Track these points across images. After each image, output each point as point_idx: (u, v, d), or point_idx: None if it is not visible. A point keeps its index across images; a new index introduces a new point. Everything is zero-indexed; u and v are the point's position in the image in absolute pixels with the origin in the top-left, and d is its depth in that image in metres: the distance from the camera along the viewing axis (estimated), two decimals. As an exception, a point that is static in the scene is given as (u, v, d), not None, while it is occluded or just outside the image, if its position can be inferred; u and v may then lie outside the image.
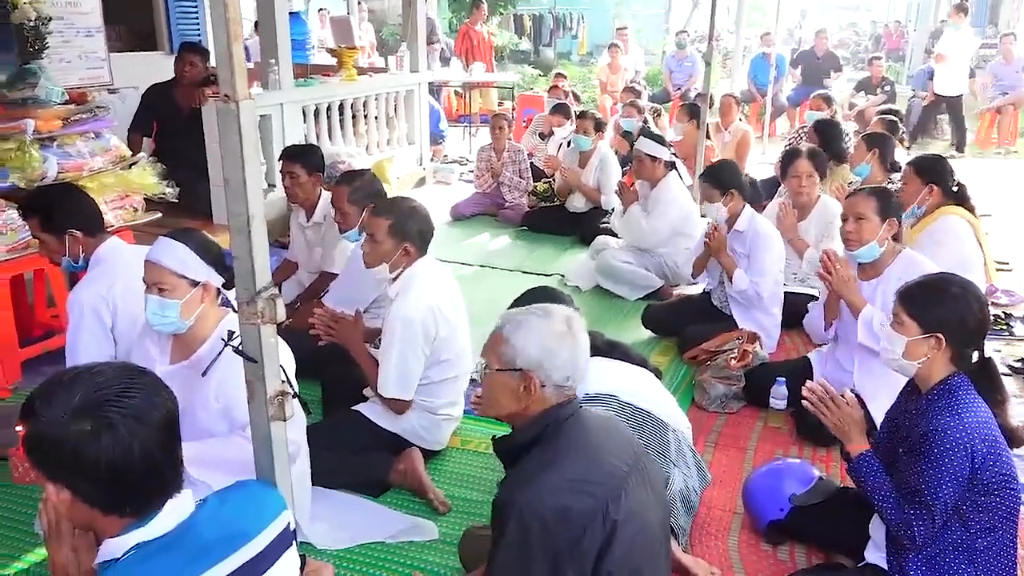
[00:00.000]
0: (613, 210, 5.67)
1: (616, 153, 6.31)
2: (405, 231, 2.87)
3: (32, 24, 5.71)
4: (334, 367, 3.25)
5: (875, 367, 3.08)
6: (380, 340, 3.00)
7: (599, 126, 6.00)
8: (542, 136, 7.52)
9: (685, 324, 4.05)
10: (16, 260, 3.53)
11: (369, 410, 2.96)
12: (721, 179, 3.92)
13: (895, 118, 5.82)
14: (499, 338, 1.85)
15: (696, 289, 4.45)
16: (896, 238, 3.10)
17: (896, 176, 4.43)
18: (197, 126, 5.48)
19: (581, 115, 6.06)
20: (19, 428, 2.20)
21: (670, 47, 13.29)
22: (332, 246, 4.13)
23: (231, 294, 2.46)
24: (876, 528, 2.27)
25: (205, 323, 2.35)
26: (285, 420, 1.62)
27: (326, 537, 2.57)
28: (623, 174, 5.99)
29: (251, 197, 1.48)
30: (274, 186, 5.80)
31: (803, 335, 4.20)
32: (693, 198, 5.00)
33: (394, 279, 2.92)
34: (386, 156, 6.87)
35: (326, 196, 4.26)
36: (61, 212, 2.82)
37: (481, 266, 5.44)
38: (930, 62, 10.47)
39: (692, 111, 6.77)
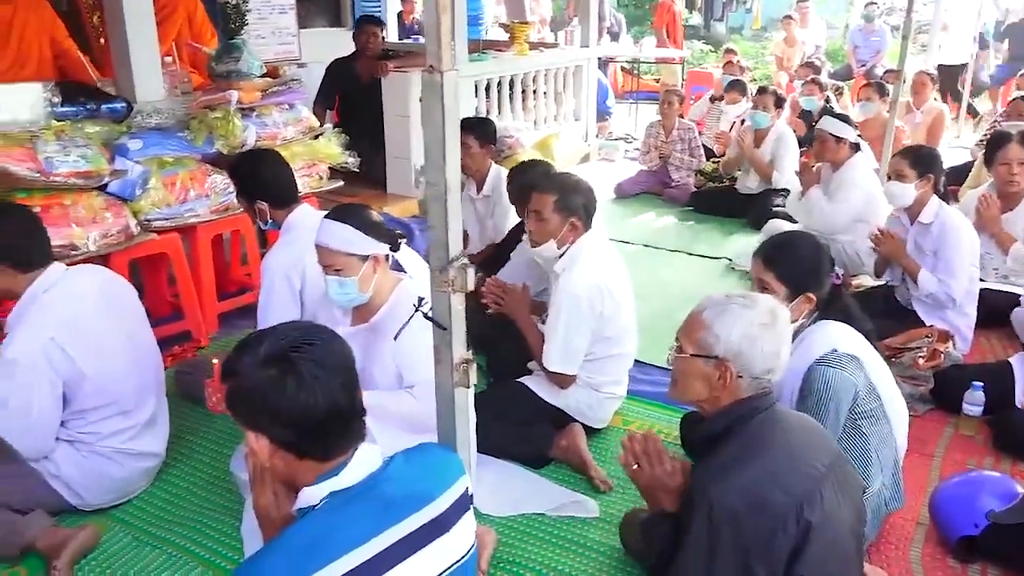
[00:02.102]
0: (788, 192, 5.40)
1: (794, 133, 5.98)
2: (570, 205, 2.86)
3: (234, 2, 6.17)
4: (500, 339, 3.31)
5: None
6: (546, 315, 3.02)
7: (779, 102, 5.71)
8: (713, 100, 7.25)
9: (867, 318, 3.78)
10: (217, 221, 3.83)
11: (533, 383, 2.99)
12: (921, 160, 3.61)
13: None
14: (699, 322, 1.81)
15: (878, 280, 4.15)
16: None
17: None
18: (376, 98, 5.71)
19: (761, 90, 5.79)
20: (215, 360, 2.41)
21: (854, 20, 12.41)
22: (503, 219, 4.19)
23: (403, 257, 2.54)
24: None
25: (381, 289, 2.45)
26: (469, 387, 1.66)
27: (489, 503, 2.63)
28: (800, 155, 5.68)
29: (449, 168, 1.50)
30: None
31: (1003, 337, 3.83)
32: (880, 183, 4.66)
33: (560, 255, 2.92)
34: (552, 132, 6.88)
35: (496, 169, 4.33)
36: (252, 183, 2.99)
37: (645, 246, 5.35)
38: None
39: (880, 89, 6.30)
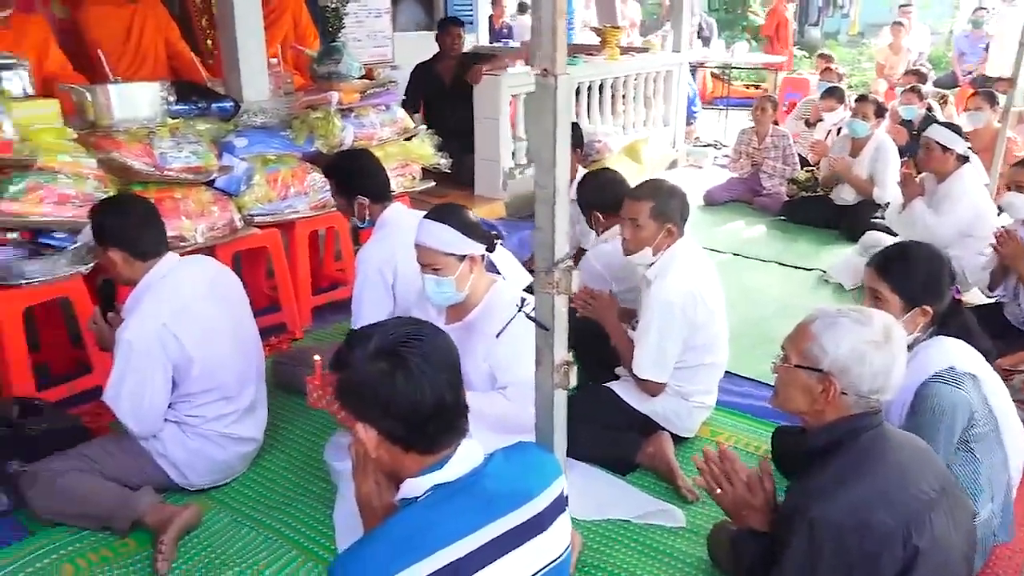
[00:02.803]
0: (887, 205, 5.22)
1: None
2: (667, 212, 2.85)
3: (333, 6, 6.37)
4: (586, 342, 3.30)
5: None
6: (635, 322, 3.01)
7: (880, 111, 5.52)
8: (808, 124, 7.07)
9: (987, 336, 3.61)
10: (314, 218, 3.96)
11: (621, 389, 2.98)
12: None
13: None
14: (807, 333, 1.79)
15: (987, 297, 3.97)
16: None
17: None
18: (460, 99, 5.75)
19: (860, 98, 5.61)
20: (317, 357, 2.50)
21: (959, 25, 11.89)
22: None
23: (497, 257, 2.56)
24: None
25: (476, 289, 2.50)
26: (568, 389, 1.67)
27: (575, 506, 2.60)
28: (901, 165, 5.49)
29: (559, 171, 1.52)
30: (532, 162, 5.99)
31: (1123, 363, 3.60)
32: (990, 196, 4.46)
33: (651, 263, 2.90)
34: (641, 137, 6.84)
35: (582, 173, 4.32)
36: (354, 179, 3.11)
37: (735, 255, 5.26)
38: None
39: (991, 98, 6.01)
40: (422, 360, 1.42)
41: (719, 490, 1.96)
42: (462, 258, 2.41)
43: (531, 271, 2.71)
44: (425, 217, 2.46)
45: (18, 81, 3.06)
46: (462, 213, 2.47)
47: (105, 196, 2.98)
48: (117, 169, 3.18)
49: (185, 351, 2.52)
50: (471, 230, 2.42)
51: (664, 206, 2.84)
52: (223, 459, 2.72)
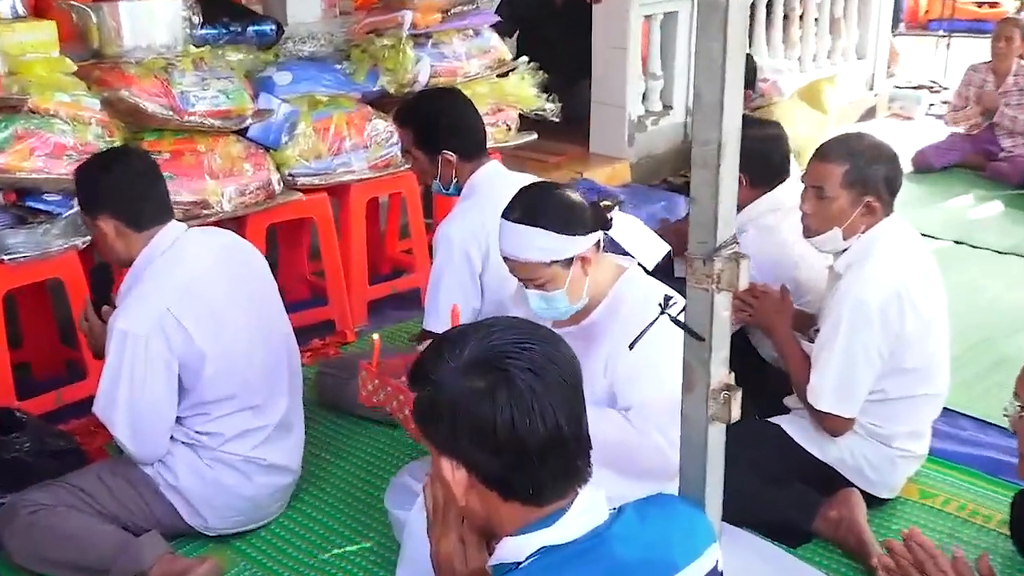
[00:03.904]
0: None
1: None
2: (867, 180, 2.78)
3: None
4: (742, 358, 3.26)
5: None
6: (814, 331, 2.95)
7: None
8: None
9: None
10: (375, 180, 4.04)
11: (792, 426, 2.94)
12: None
13: None
14: None
15: None
16: None
17: None
18: (572, 26, 5.74)
19: None
20: (375, 336, 2.53)
21: None
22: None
23: (616, 230, 2.53)
24: None
25: (598, 286, 2.47)
26: (728, 422, 1.66)
27: (726, 587, 2.62)
28: None
29: (727, 120, 1.50)
30: (670, 107, 5.97)
31: None
32: None
33: (842, 249, 2.86)
34: (825, 75, 6.75)
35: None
36: (441, 127, 3.12)
37: (956, 242, 5.18)
38: None
39: None
40: (533, 377, 1.42)
41: None
42: (569, 262, 2.38)
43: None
44: (505, 217, 2.40)
45: (7, -3, 3.23)
46: (556, 202, 2.40)
47: (109, 147, 3.12)
48: (126, 112, 3.32)
49: (194, 344, 2.61)
50: (573, 221, 2.36)
51: (863, 171, 2.78)
52: (249, 495, 2.80)
